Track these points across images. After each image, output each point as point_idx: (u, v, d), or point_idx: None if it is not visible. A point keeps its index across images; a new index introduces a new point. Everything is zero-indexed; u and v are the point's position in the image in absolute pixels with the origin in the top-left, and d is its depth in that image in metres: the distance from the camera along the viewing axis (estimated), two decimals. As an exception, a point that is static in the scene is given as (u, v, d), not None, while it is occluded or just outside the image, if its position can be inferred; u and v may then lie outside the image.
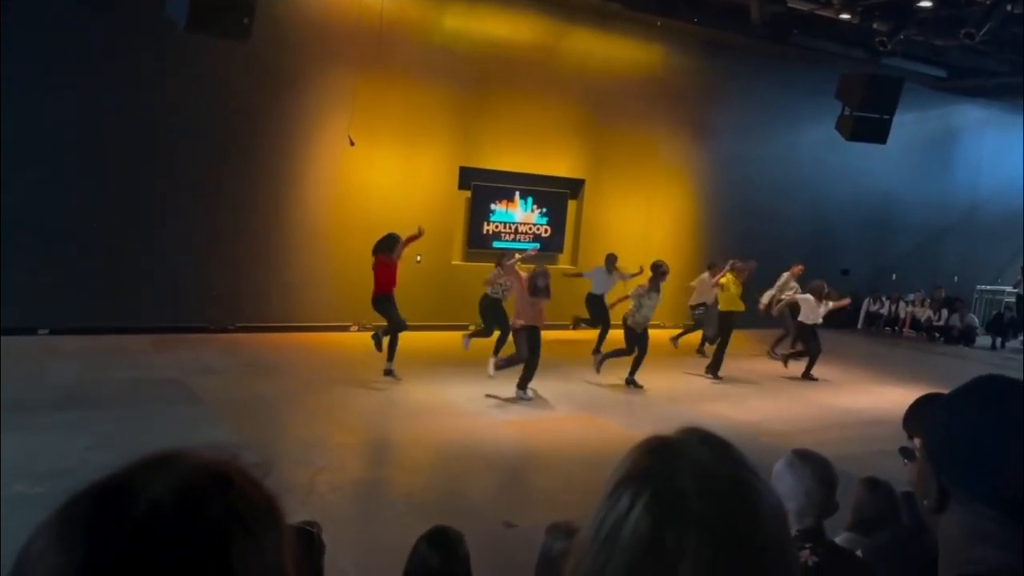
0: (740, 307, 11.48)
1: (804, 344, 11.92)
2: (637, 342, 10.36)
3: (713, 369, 11.35)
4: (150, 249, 11.01)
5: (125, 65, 10.54)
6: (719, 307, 11.57)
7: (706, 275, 12.56)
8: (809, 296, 11.80)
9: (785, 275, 12.99)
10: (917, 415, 2.16)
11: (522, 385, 9.35)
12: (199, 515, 0.64)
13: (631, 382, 10.34)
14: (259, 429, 7.70)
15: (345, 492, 6.51)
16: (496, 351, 10.30)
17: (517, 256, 10.17)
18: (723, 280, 11.35)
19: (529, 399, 9.32)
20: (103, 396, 8.14)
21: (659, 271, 10.44)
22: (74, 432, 6.96)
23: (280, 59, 11.46)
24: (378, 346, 9.74)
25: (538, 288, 9.25)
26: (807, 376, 11.82)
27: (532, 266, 9.83)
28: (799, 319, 11.98)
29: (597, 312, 11.99)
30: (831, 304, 11.80)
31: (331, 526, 3.26)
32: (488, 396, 9.27)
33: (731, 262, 11.45)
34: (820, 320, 11.74)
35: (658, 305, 10.52)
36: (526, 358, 9.29)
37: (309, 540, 2.88)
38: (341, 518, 5.66)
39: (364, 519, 5.93)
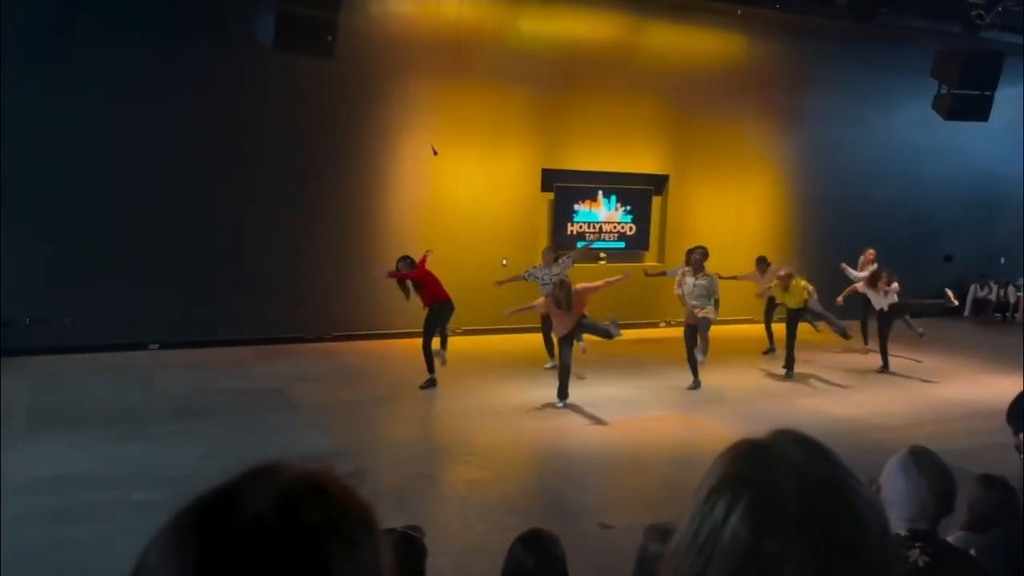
0: (789, 303, 10.77)
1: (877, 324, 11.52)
2: (686, 337, 9.88)
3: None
4: (248, 264, 11.46)
5: (213, 82, 11.00)
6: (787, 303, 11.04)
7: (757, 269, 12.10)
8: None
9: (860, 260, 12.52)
10: (1020, 410, 2.05)
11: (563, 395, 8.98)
12: (298, 524, 0.67)
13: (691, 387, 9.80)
14: (354, 434, 7.90)
15: (440, 494, 6.61)
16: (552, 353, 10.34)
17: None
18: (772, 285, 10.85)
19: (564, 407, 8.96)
20: (211, 406, 8.51)
21: (689, 253, 9.98)
22: (186, 441, 7.31)
23: (362, 72, 11.74)
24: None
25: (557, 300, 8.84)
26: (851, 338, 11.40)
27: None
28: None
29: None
30: (895, 287, 11.20)
31: (428, 528, 3.32)
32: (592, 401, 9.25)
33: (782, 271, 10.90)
34: (881, 306, 11.23)
35: (707, 295, 9.79)
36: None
37: (411, 544, 2.94)
38: (437, 520, 5.75)
39: (460, 521, 6.00)
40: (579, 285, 8.94)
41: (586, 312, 8.97)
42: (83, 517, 5.69)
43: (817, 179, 15.08)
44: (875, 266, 12.05)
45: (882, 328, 11.37)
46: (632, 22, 13.55)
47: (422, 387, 9.44)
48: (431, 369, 9.48)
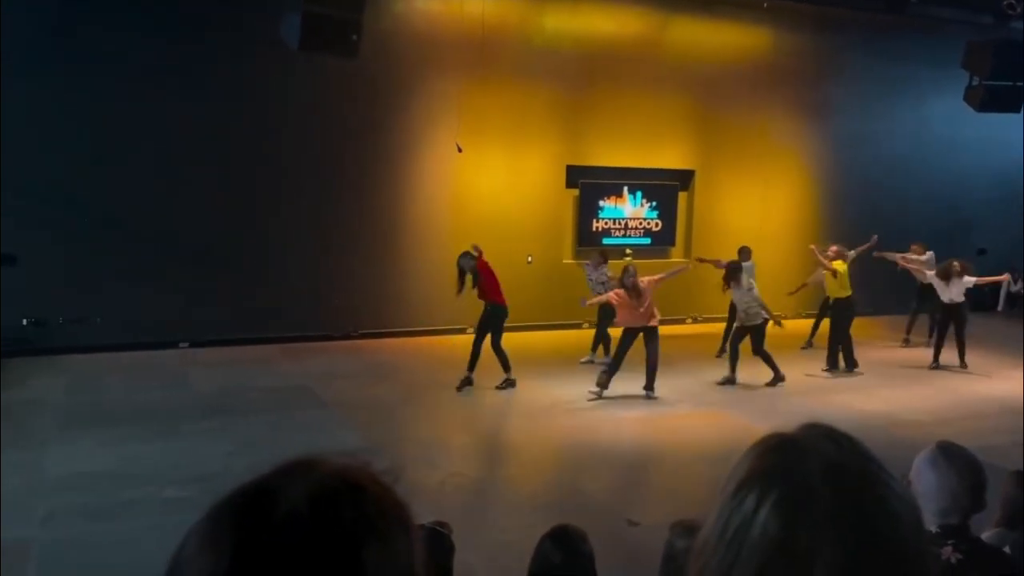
0: (848, 293, 10.65)
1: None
2: (735, 334, 10.13)
3: (829, 362, 10.70)
4: (275, 264, 11.55)
5: (238, 82, 11.09)
6: (828, 294, 10.90)
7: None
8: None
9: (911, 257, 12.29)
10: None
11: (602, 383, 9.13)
12: (334, 520, 0.68)
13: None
14: (383, 431, 7.94)
15: (469, 491, 6.62)
16: (594, 348, 10.55)
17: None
18: (836, 265, 10.50)
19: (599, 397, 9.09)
20: (241, 404, 8.60)
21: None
22: (217, 438, 7.39)
23: (387, 71, 11.78)
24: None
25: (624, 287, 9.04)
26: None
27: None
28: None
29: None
30: (969, 279, 10.88)
31: (456, 524, 3.33)
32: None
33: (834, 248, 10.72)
34: (951, 298, 10.92)
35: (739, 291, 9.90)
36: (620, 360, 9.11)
37: (439, 540, 2.95)
38: (466, 516, 5.76)
39: (489, 517, 6.02)
40: (643, 279, 9.09)
41: (655, 312, 9.10)
42: (114, 514, 5.78)
43: (845, 173, 14.90)
44: (928, 254, 11.83)
45: (943, 323, 11.09)
46: (657, 16, 13.46)
47: (458, 388, 9.25)
48: (471, 368, 9.28)
